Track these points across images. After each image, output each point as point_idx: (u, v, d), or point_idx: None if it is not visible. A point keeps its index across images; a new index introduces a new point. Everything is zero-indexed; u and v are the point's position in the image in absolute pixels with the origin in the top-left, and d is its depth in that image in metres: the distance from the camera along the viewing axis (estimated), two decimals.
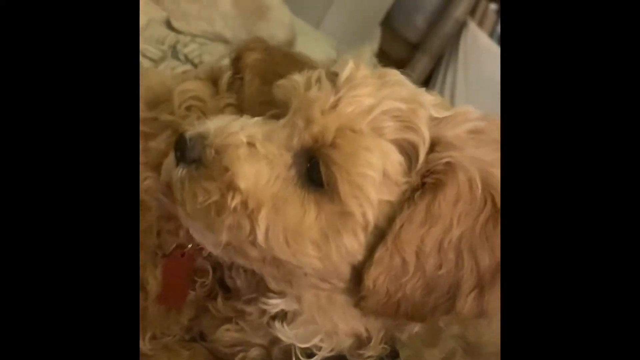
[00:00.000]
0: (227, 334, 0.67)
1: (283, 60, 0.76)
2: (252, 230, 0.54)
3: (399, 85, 0.56)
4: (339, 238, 0.54)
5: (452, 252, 0.51)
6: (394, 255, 0.52)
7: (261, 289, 0.62)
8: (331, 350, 0.62)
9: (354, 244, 0.54)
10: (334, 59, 0.78)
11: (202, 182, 0.55)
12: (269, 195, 0.54)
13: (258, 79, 0.73)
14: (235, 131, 0.56)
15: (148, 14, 1.19)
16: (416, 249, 0.52)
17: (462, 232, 0.51)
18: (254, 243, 0.55)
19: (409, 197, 0.53)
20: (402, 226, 0.52)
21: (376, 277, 0.53)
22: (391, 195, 0.53)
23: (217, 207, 0.55)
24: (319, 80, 0.56)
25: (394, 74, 0.58)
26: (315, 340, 0.62)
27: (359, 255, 0.54)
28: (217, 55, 1.12)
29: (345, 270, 0.55)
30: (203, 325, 0.70)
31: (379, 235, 0.54)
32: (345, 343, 0.62)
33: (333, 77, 0.56)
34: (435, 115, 0.55)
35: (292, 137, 0.55)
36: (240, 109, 0.72)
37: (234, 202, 0.54)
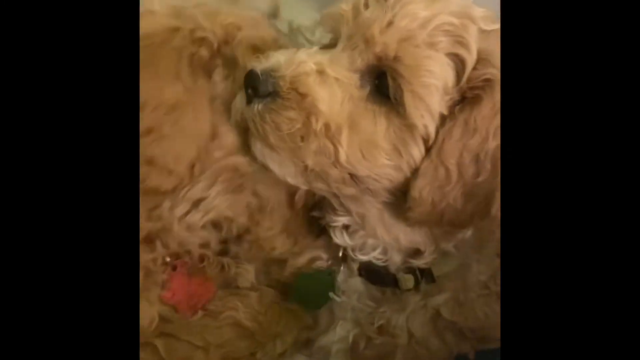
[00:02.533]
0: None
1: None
2: (336, 151, 0.56)
3: (447, 0, 0.58)
4: (406, 149, 0.57)
5: (488, 162, 0.54)
6: (438, 166, 0.56)
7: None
8: (386, 262, 0.66)
9: (418, 154, 0.57)
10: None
11: (283, 112, 0.56)
12: (346, 116, 0.57)
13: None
14: (304, 60, 0.58)
15: None
16: (457, 160, 0.55)
17: (498, 145, 0.53)
18: (335, 164, 0.57)
19: (450, 112, 0.56)
20: (444, 139, 0.55)
21: (422, 188, 0.57)
22: (443, 108, 0.56)
23: (301, 133, 0.56)
24: (366, 4, 0.58)
25: None
26: (374, 254, 0.66)
27: (418, 163, 0.57)
28: None
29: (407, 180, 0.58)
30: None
31: None
32: (397, 258, 0.66)
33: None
34: (484, 27, 0.56)
35: (354, 59, 0.58)
36: None
37: (318, 124, 0.56)
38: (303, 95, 0.56)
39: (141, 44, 0.57)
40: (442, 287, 0.66)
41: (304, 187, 0.63)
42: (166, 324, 0.70)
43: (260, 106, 0.58)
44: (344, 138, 0.56)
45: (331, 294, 0.70)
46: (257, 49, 0.65)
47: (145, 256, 0.67)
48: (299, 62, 0.58)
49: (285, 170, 0.60)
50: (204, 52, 0.65)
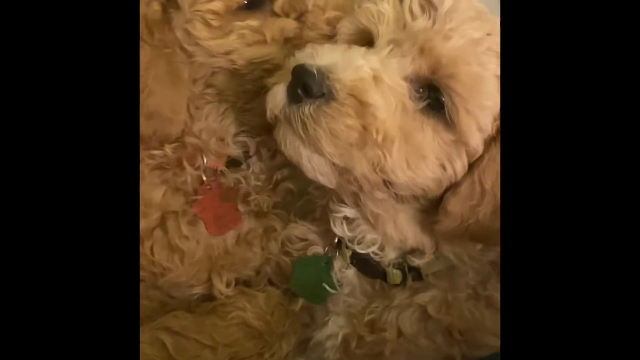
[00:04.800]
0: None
1: None
2: (384, 160, 0.56)
3: (493, 20, 0.58)
4: (451, 164, 0.59)
5: None
6: (476, 186, 0.58)
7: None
8: (381, 258, 0.69)
9: (461, 170, 0.59)
10: None
11: (340, 118, 0.55)
12: (397, 125, 0.56)
13: None
14: (362, 64, 0.57)
15: None
16: (493, 182, 0.57)
17: None
18: (378, 171, 0.57)
19: (494, 136, 0.58)
20: (488, 162, 0.58)
21: (456, 204, 0.59)
22: (493, 130, 0.58)
23: (358, 142, 0.56)
24: (411, 10, 0.58)
25: (482, 8, 0.61)
26: (372, 249, 0.68)
27: (459, 178, 0.59)
28: None
29: (440, 192, 0.61)
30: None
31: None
32: (392, 255, 0.68)
33: (428, 6, 0.58)
34: None
35: (405, 67, 0.58)
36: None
37: (379, 135, 0.55)
38: (363, 104, 0.55)
39: None
40: (429, 285, 0.68)
41: (330, 187, 0.62)
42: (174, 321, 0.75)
43: (312, 108, 0.56)
44: (396, 148, 0.56)
45: (325, 285, 0.72)
46: None
47: (177, 178, 0.76)
48: (356, 66, 0.56)
49: (319, 171, 0.60)
50: (155, 7, 0.68)
